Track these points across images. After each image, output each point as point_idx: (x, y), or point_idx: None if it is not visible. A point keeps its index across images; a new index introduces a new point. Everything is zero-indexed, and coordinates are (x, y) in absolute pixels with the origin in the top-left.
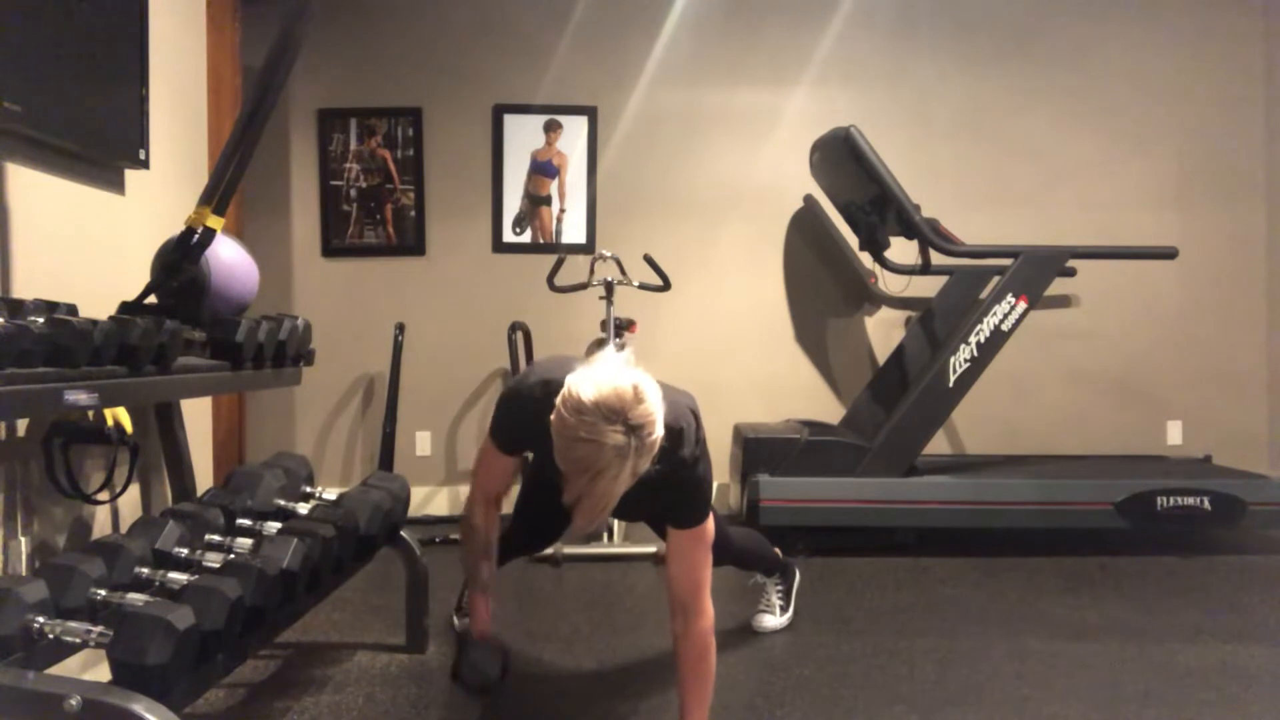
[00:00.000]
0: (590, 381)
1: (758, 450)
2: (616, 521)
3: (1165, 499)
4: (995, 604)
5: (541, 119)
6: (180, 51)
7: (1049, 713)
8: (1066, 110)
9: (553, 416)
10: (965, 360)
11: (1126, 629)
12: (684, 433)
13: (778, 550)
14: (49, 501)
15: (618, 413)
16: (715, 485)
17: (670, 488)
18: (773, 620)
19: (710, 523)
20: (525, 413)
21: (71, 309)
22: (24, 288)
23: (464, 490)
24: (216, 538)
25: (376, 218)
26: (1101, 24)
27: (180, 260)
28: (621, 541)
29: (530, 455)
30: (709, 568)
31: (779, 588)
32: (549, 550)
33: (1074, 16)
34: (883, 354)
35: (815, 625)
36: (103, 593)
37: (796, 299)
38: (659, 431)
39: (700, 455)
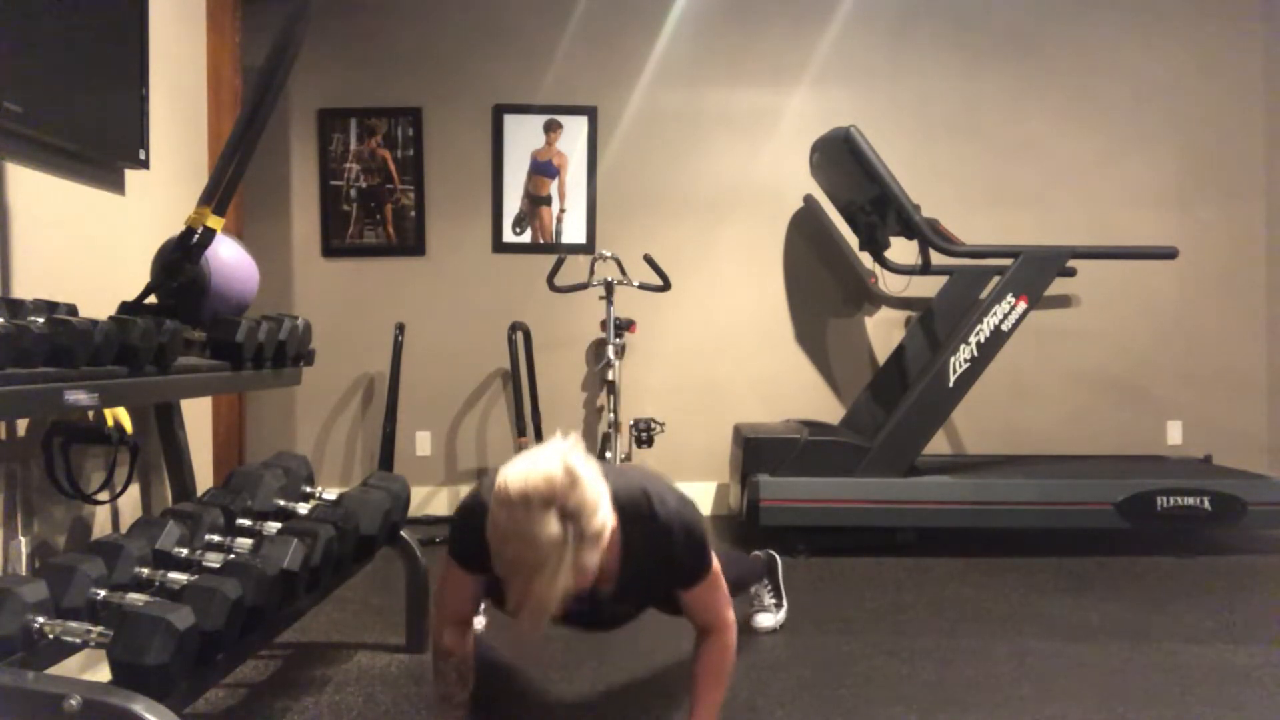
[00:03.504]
0: (519, 471)
1: (758, 450)
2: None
3: (1165, 499)
4: (995, 604)
5: (541, 119)
6: (180, 51)
7: (1049, 713)
8: (1066, 110)
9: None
10: (965, 360)
11: (1126, 629)
12: (647, 496)
13: (757, 553)
14: (49, 501)
15: (549, 500)
16: (715, 486)
17: (663, 560)
18: (770, 618)
19: (716, 564)
20: (482, 530)
21: (71, 309)
22: (24, 288)
23: (464, 490)
24: (216, 538)
25: (376, 218)
26: (1101, 24)
27: (180, 260)
28: None
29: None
30: (726, 596)
31: (768, 586)
32: None
33: (1074, 17)
34: (883, 354)
35: (815, 625)
36: (103, 593)
37: (796, 299)
38: (602, 515)
39: (679, 508)
